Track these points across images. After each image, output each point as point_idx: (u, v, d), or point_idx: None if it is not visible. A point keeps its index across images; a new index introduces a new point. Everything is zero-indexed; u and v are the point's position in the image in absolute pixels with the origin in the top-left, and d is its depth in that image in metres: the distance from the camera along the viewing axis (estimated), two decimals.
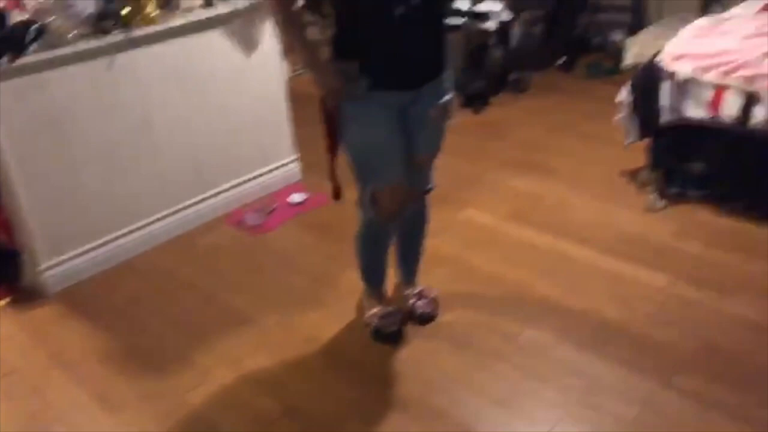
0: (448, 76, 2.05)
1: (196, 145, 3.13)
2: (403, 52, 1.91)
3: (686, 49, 2.90)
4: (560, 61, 4.92)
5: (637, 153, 3.19)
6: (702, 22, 3.13)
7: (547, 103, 4.44)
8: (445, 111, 2.08)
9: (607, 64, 4.73)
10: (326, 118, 2.00)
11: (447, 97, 2.06)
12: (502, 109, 4.40)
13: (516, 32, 4.73)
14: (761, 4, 3.51)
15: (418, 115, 2.03)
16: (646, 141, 3.09)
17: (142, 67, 2.86)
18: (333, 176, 2.11)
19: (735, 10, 3.42)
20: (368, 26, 1.88)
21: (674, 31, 3.21)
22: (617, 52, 4.45)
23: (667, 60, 2.91)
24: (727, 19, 3.19)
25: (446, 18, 2.05)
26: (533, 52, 5.01)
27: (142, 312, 2.64)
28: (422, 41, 1.94)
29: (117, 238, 2.95)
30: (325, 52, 1.97)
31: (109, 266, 2.93)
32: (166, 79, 2.95)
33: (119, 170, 2.89)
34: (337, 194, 2.14)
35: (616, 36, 4.93)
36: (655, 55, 3.01)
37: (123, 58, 2.79)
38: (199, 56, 3.05)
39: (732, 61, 2.74)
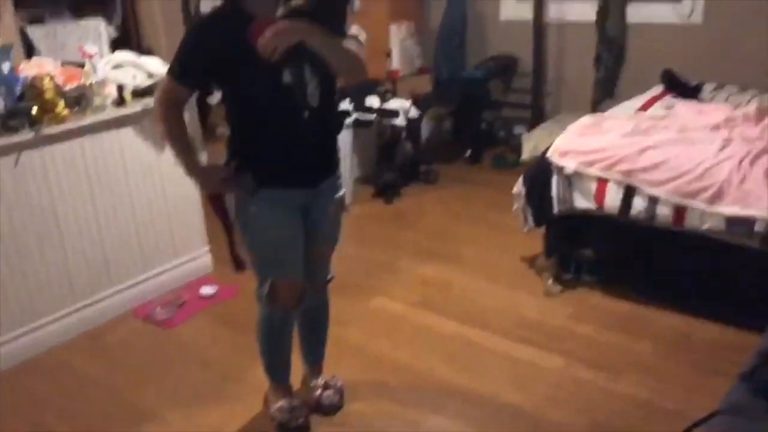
0: (340, 172, 2.20)
1: (105, 239, 3.13)
2: (305, 153, 2.05)
3: (571, 145, 3.16)
4: (467, 154, 5.20)
5: (537, 240, 3.39)
6: (585, 120, 3.42)
7: (455, 193, 4.66)
8: (341, 205, 2.21)
9: (510, 157, 5.03)
10: (211, 204, 2.17)
11: (342, 191, 2.20)
12: (412, 200, 4.59)
13: (425, 127, 5.01)
14: (639, 104, 3.89)
15: (319, 211, 2.14)
16: (542, 229, 3.30)
17: (50, 163, 2.88)
18: (232, 250, 2.21)
19: (615, 110, 3.77)
20: (274, 130, 2.00)
21: (565, 128, 3.50)
22: (519, 146, 4.76)
23: (555, 155, 3.16)
24: (607, 118, 3.50)
25: (339, 118, 2.23)
26: (442, 145, 5.30)
27: (44, 413, 2.55)
28: (321, 142, 2.09)
29: (21, 335, 2.88)
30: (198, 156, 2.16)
31: (12, 365, 2.84)
32: (75, 175, 2.98)
33: (24, 265, 2.85)
34: (238, 265, 2.23)
35: (519, 130, 5.28)
36: (545, 151, 3.26)
37: (31, 155, 2.81)
38: (110, 153, 3.10)
39: (611, 156, 3.00)
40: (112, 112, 3.09)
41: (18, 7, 4.34)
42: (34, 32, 4.28)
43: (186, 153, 2.05)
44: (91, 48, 3.05)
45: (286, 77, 1.91)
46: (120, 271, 3.22)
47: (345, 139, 4.25)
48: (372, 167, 4.84)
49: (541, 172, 3.21)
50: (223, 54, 1.89)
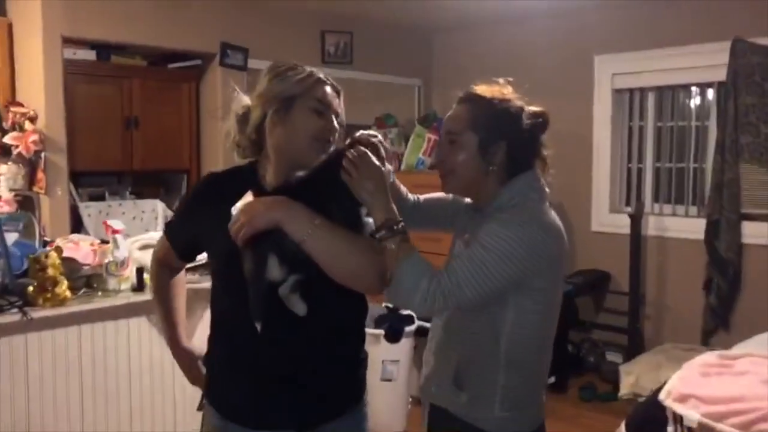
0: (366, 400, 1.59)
1: None
2: (265, 384, 1.50)
3: (693, 389, 2.40)
4: (550, 381, 4.39)
5: None
6: (708, 358, 2.67)
7: None
8: None
9: (602, 388, 4.20)
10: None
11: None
12: None
13: None
14: None
15: None
16: None
17: (35, 352, 2.38)
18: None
19: (747, 345, 2.99)
20: (230, 340, 1.54)
21: (675, 362, 2.76)
22: (614, 376, 3.96)
23: (670, 399, 2.39)
24: (738, 357, 2.73)
25: (357, 340, 1.63)
26: None
27: None
28: (308, 368, 1.51)
29: None
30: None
31: None
32: (63, 370, 2.44)
33: None
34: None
35: (612, 357, 4.49)
36: (656, 392, 2.50)
37: (14, 341, 2.32)
38: (114, 347, 2.58)
39: (753, 410, 2.21)
40: (125, 298, 2.61)
41: (79, 185, 4.20)
42: (88, 209, 4.04)
43: (166, 322, 1.77)
44: (116, 223, 2.66)
45: (247, 268, 1.42)
46: None
47: (404, 350, 3.60)
48: None
49: (651, 418, 2.43)
50: (211, 219, 1.52)
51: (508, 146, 1.62)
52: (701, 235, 4.16)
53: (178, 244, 1.63)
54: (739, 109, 4.01)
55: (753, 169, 4.04)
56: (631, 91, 4.64)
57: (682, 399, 2.38)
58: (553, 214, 1.65)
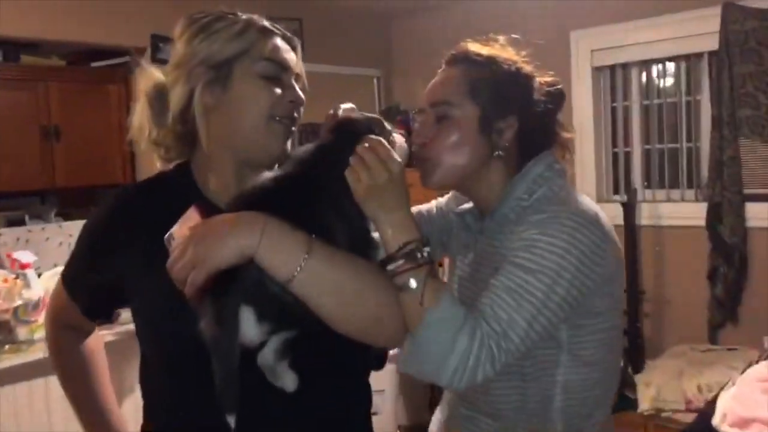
0: None
1: None
2: None
3: (755, 411, 1.97)
4: None
5: None
6: (764, 370, 2.25)
7: None
8: None
9: None
10: None
11: None
12: None
13: None
14: None
15: None
16: None
17: None
18: None
19: None
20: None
21: (697, 368, 2.35)
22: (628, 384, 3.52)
23: (727, 425, 1.97)
24: None
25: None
26: None
27: None
28: None
29: None
30: None
31: None
32: None
33: None
34: None
35: None
36: (702, 414, 2.08)
37: None
38: (27, 413, 2.01)
39: None
40: (40, 350, 2.05)
41: None
42: (2, 237, 3.43)
43: (82, 413, 1.21)
44: (24, 255, 2.11)
45: (205, 330, 0.91)
46: None
47: (388, 378, 3.12)
48: (424, 412, 3.64)
49: None
50: (130, 258, 1.03)
51: (520, 123, 1.18)
52: (700, 221, 3.79)
53: (82, 298, 1.11)
54: (735, 80, 3.65)
55: (754, 145, 3.71)
56: (612, 67, 4.24)
57: (743, 424, 1.97)
58: (590, 202, 1.18)
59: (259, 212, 0.91)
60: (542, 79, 1.24)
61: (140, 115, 1.07)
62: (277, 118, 1.05)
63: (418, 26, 4.96)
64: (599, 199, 4.31)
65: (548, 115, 1.23)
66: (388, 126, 1.07)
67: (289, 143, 1.09)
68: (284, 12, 4.46)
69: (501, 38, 1.29)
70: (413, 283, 0.96)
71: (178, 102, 1.03)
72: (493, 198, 1.18)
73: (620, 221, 3.96)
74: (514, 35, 1.34)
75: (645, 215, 4.13)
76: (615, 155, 4.35)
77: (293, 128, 1.09)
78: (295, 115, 1.09)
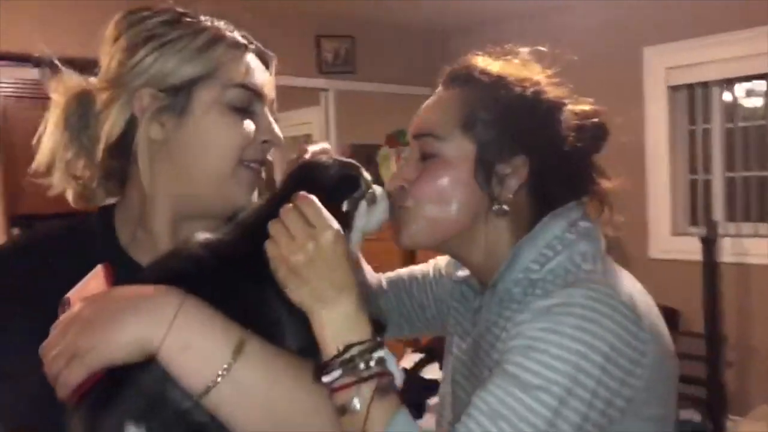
0: None
1: None
2: None
3: None
4: None
5: None
6: None
7: None
8: None
9: None
10: None
11: None
12: None
13: None
14: None
15: None
16: None
17: None
18: None
19: None
20: None
21: None
22: None
23: None
24: None
25: None
26: None
27: None
28: None
29: None
30: None
31: None
32: None
33: None
34: None
35: (687, 415, 3.65)
36: None
37: None
38: None
39: None
40: None
41: None
42: None
43: None
44: None
45: None
46: None
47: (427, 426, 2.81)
48: None
49: None
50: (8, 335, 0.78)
51: (532, 164, 0.87)
52: None
53: None
54: None
55: None
56: (690, 86, 3.87)
57: None
58: (629, 279, 0.87)
59: (178, 289, 0.68)
60: (575, 107, 0.91)
61: (52, 137, 0.82)
62: (246, 163, 0.82)
63: (477, 43, 4.67)
64: (675, 232, 3.92)
65: (579, 156, 0.90)
66: (366, 176, 0.81)
67: (255, 193, 0.85)
68: (336, 29, 4.34)
69: (525, 50, 0.96)
70: (356, 404, 0.70)
71: (113, 130, 0.79)
72: (492, 266, 0.87)
73: (698, 257, 3.56)
74: (539, 47, 0.98)
75: (728, 251, 3.70)
76: (693, 183, 3.95)
77: (263, 174, 0.85)
78: (268, 158, 0.85)
